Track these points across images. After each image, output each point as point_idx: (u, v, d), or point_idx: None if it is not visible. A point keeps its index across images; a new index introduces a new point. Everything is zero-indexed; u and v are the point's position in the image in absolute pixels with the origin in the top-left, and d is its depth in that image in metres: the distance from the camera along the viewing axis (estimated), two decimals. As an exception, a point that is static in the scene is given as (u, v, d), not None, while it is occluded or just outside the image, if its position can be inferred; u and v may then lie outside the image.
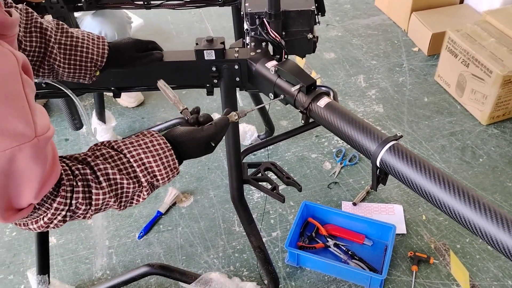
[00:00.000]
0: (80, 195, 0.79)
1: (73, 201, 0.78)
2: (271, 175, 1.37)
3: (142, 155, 0.86)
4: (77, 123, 1.87)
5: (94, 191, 0.80)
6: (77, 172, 0.79)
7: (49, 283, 1.58)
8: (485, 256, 1.67)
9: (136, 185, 0.86)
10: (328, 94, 1.10)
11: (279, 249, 1.73)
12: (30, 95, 0.66)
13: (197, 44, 1.23)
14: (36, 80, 1.23)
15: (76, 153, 0.85)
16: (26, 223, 0.79)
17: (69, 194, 0.77)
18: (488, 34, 2.24)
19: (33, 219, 0.78)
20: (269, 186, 1.32)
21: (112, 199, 0.83)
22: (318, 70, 2.57)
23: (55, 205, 0.76)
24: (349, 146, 2.06)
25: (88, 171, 0.81)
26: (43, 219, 0.78)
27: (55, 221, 0.78)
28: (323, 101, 1.06)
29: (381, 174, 0.98)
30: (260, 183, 1.33)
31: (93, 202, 0.81)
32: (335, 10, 3.09)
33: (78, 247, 1.79)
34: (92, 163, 0.82)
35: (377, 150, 0.94)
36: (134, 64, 1.16)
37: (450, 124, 2.21)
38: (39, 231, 0.81)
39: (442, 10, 2.71)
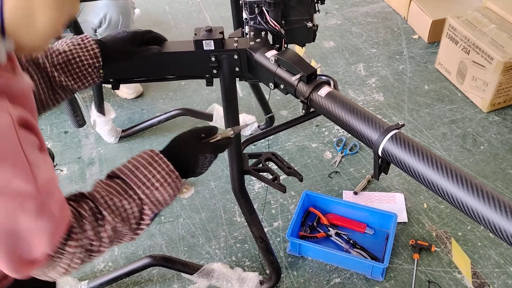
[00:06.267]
0: (91, 233, 0.78)
1: (86, 241, 0.78)
2: (272, 165, 1.36)
3: (133, 169, 0.86)
4: (80, 120, 1.86)
5: (100, 222, 0.80)
6: (83, 212, 0.79)
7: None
8: (486, 244, 1.67)
9: (138, 202, 0.85)
10: (328, 84, 1.09)
11: (280, 239, 1.73)
12: (29, 150, 0.64)
13: (195, 34, 1.22)
14: None
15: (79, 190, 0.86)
16: (45, 273, 0.78)
17: (81, 236, 0.77)
18: (489, 20, 2.22)
19: (50, 266, 0.77)
20: (270, 177, 1.32)
21: (119, 224, 0.81)
22: (317, 59, 2.55)
23: (68, 248, 0.75)
24: (349, 135, 2.06)
25: (91, 204, 0.80)
26: (60, 265, 0.77)
27: (73, 265, 0.77)
28: (324, 91, 1.05)
29: (383, 163, 0.97)
30: (261, 173, 1.33)
31: (103, 234, 0.80)
32: (334, -2, 3.06)
33: (79, 240, 1.79)
34: (90, 196, 0.82)
35: (379, 139, 0.94)
36: (131, 59, 1.15)
37: (451, 112, 2.20)
38: (60, 277, 0.80)
39: (442, -3, 2.68)
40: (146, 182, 0.85)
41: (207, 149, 0.95)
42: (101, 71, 1.11)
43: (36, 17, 0.65)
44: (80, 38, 1.08)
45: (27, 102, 0.74)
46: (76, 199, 0.82)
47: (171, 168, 0.88)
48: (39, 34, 0.68)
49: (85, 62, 1.07)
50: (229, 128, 1.00)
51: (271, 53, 1.16)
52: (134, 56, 1.15)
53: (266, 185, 1.33)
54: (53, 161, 1.16)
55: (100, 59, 1.09)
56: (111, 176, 0.87)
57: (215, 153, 0.97)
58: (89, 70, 1.08)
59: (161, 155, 0.88)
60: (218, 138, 0.98)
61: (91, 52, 1.07)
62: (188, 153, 0.93)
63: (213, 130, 0.99)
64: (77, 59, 1.06)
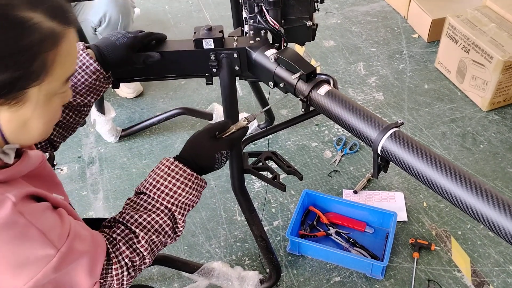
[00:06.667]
0: (128, 252, 0.84)
1: (126, 260, 0.84)
2: (272, 164, 1.36)
3: (154, 182, 0.90)
4: None
5: (134, 240, 0.85)
6: (117, 236, 0.85)
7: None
8: (486, 242, 1.67)
9: (167, 211, 0.89)
10: (328, 82, 1.09)
11: (280, 238, 1.73)
12: (37, 219, 0.69)
13: (195, 33, 1.22)
14: None
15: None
16: None
17: (120, 257, 0.83)
18: (488, 19, 2.22)
19: None
20: (270, 175, 1.32)
21: (155, 235, 0.87)
22: (317, 58, 2.56)
23: (113, 272, 0.82)
24: (349, 134, 2.06)
25: (122, 227, 0.86)
26: (114, 286, 0.84)
27: (125, 282, 0.85)
28: (323, 89, 1.06)
29: (382, 162, 0.98)
30: (260, 172, 1.33)
31: (141, 250, 0.86)
32: (334, -3, 3.06)
33: (80, 239, 1.79)
34: (121, 219, 0.87)
35: (378, 137, 0.94)
36: (132, 65, 1.17)
37: (451, 111, 2.20)
38: None
39: (442, -4, 2.68)
40: (169, 192, 0.89)
41: (222, 146, 0.96)
42: (107, 74, 1.13)
43: (30, 124, 0.71)
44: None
45: (39, 172, 0.79)
46: (110, 225, 0.88)
47: (189, 172, 0.91)
48: (36, 135, 0.74)
49: (90, 80, 1.09)
50: (243, 118, 1.00)
51: (271, 52, 1.16)
52: (135, 62, 1.16)
53: (266, 184, 1.33)
54: (53, 160, 1.18)
55: (102, 70, 1.10)
56: (137, 192, 0.93)
57: (231, 148, 0.98)
58: (97, 82, 1.11)
59: (177, 163, 0.91)
60: (233, 130, 0.99)
61: (92, 68, 1.09)
62: (204, 154, 0.95)
63: (226, 125, 1.00)
64: (82, 80, 1.08)
